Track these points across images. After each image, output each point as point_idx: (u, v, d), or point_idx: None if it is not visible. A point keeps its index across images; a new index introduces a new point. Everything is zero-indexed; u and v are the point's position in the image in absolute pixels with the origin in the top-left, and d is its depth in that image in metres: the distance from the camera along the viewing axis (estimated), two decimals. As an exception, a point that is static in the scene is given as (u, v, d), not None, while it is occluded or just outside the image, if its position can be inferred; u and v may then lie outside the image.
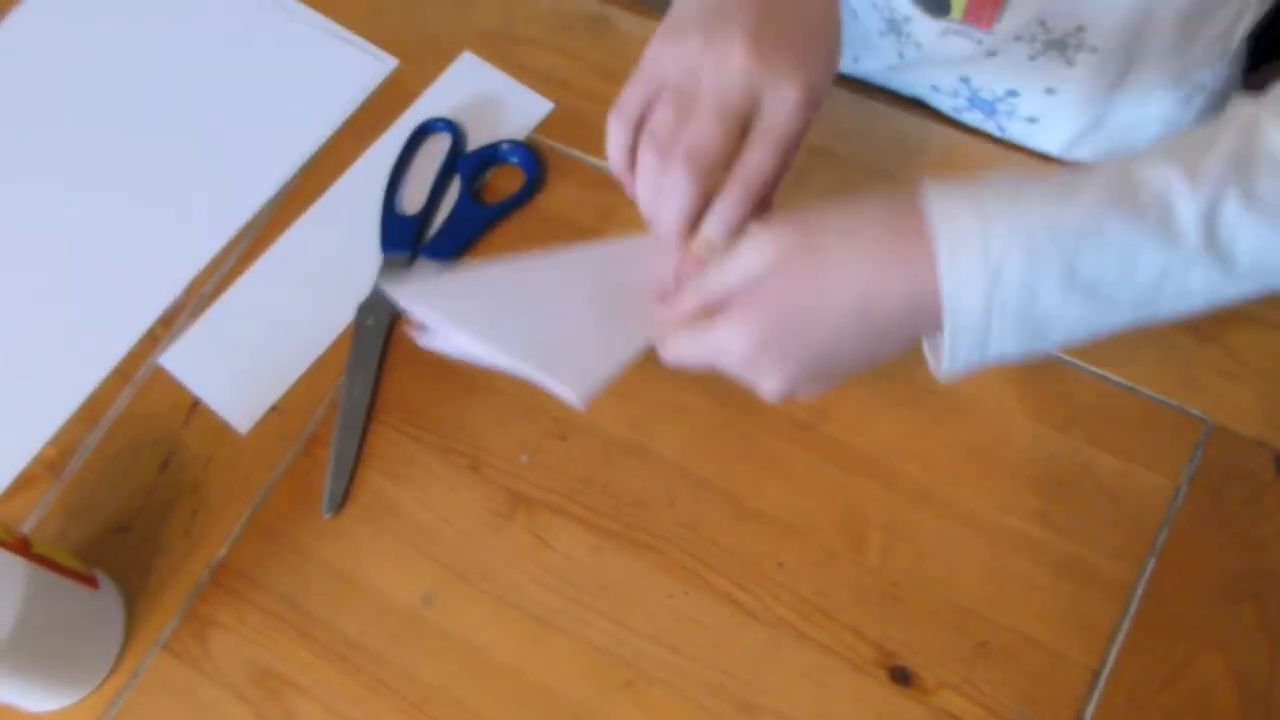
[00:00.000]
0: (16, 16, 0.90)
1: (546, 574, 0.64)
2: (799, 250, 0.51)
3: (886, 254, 0.50)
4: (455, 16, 0.84)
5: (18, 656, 0.59)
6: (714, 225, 0.54)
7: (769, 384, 0.52)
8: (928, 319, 0.49)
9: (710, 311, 0.52)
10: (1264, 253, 0.47)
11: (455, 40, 0.82)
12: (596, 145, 0.71)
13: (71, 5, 0.90)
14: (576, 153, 0.76)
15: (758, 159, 0.53)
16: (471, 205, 0.75)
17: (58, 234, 0.80)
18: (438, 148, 0.78)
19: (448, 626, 0.63)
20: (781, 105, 0.53)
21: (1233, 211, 0.47)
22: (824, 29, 0.55)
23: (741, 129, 0.53)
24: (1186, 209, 0.47)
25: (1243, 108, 0.50)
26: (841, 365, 0.53)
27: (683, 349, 0.54)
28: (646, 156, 0.54)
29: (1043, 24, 0.66)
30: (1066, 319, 0.49)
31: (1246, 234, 0.47)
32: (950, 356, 0.50)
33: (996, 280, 0.47)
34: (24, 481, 0.71)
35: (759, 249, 0.51)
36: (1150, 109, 0.71)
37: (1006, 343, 0.49)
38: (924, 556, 0.61)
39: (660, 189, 0.53)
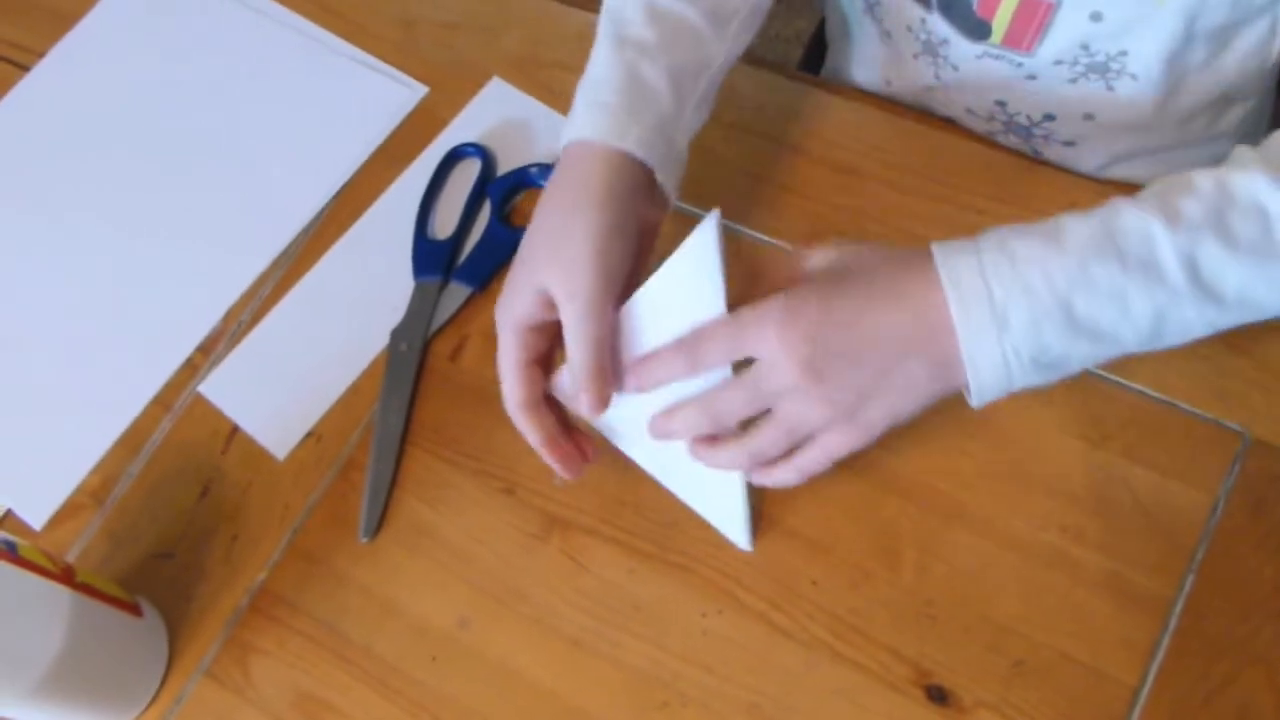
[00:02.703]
0: (55, 56, 0.91)
1: (581, 595, 0.64)
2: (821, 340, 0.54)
3: (902, 310, 0.53)
4: (484, 43, 0.84)
5: (63, 684, 0.60)
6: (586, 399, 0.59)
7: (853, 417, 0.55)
8: (941, 363, 0.53)
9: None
10: (1249, 288, 0.51)
11: (484, 66, 0.83)
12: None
13: (107, 43, 0.92)
14: (605, 175, 0.76)
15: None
16: (502, 229, 0.76)
17: (97, 267, 0.81)
18: (468, 173, 0.79)
19: (484, 649, 0.64)
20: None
21: (1213, 253, 0.50)
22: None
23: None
24: (1167, 253, 0.50)
25: (1235, 152, 0.54)
26: (888, 395, 0.55)
27: (783, 475, 0.58)
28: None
29: (1085, 48, 0.65)
30: (1078, 355, 0.52)
31: (1228, 273, 0.50)
32: (978, 395, 0.54)
33: (1005, 327, 0.51)
34: (68, 510, 0.73)
35: (773, 361, 0.54)
36: (1190, 129, 0.70)
37: (1029, 379, 0.53)
38: (959, 574, 0.61)
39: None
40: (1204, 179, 0.52)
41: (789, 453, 0.57)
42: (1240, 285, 0.51)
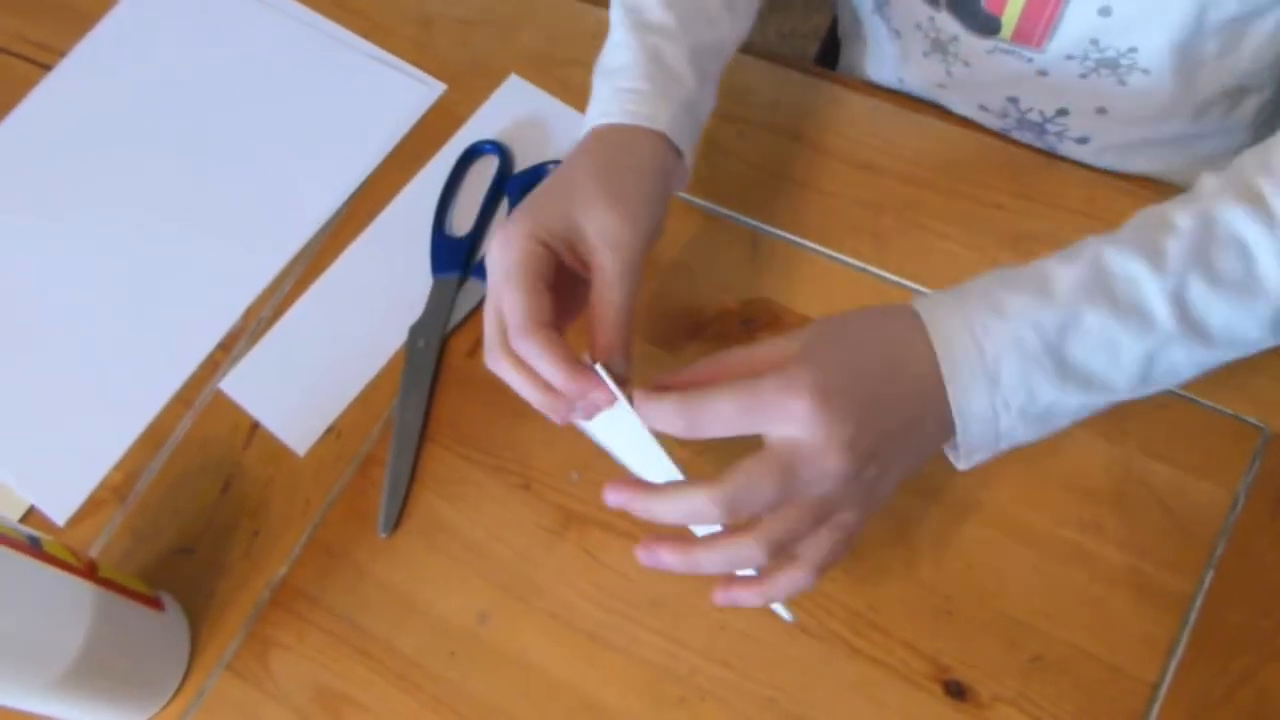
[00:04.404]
0: (76, 55, 0.92)
1: (599, 590, 0.65)
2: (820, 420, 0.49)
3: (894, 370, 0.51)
4: (501, 41, 0.85)
5: (86, 679, 0.60)
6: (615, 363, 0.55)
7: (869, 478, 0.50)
8: (943, 423, 0.51)
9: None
10: (1235, 326, 0.51)
11: (501, 64, 0.83)
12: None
13: (128, 42, 0.92)
14: (622, 172, 0.77)
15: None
16: (520, 226, 0.76)
17: (118, 265, 0.82)
18: (486, 170, 0.79)
19: (502, 644, 0.64)
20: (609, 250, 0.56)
21: (1199, 293, 0.50)
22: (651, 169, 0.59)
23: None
24: (1156, 296, 0.50)
25: (1202, 181, 0.53)
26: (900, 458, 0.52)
27: (801, 581, 0.52)
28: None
29: (1095, 43, 0.65)
30: (1069, 406, 0.52)
31: (1215, 311, 0.50)
32: (966, 455, 0.53)
33: (995, 383, 0.50)
34: (91, 506, 0.73)
35: (812, 444, 0.48)
36: (1206, 121, 0.70)
37: (1016, 435, 0.52)
38: (977, 569, 0.61)
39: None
40: (1182, 215, 0.52)
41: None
42: (1227, 323, 0.51)
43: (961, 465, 0.53)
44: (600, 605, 0.64)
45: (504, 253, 0.56)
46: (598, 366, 0.53)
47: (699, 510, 0.49)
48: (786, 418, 0.48)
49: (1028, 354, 0.50)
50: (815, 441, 0.48)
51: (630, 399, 0.53)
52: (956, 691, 0.59)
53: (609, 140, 0.61)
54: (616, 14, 0.66)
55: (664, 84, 0.62)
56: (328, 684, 0.65)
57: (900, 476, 0.52)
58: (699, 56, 0.65)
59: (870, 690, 0.59)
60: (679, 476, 0.53)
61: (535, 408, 0.57)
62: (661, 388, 0.51)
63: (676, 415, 0.50)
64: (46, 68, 0.92)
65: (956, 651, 0.59)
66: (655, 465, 0.54)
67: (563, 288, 0.57)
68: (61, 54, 0.92)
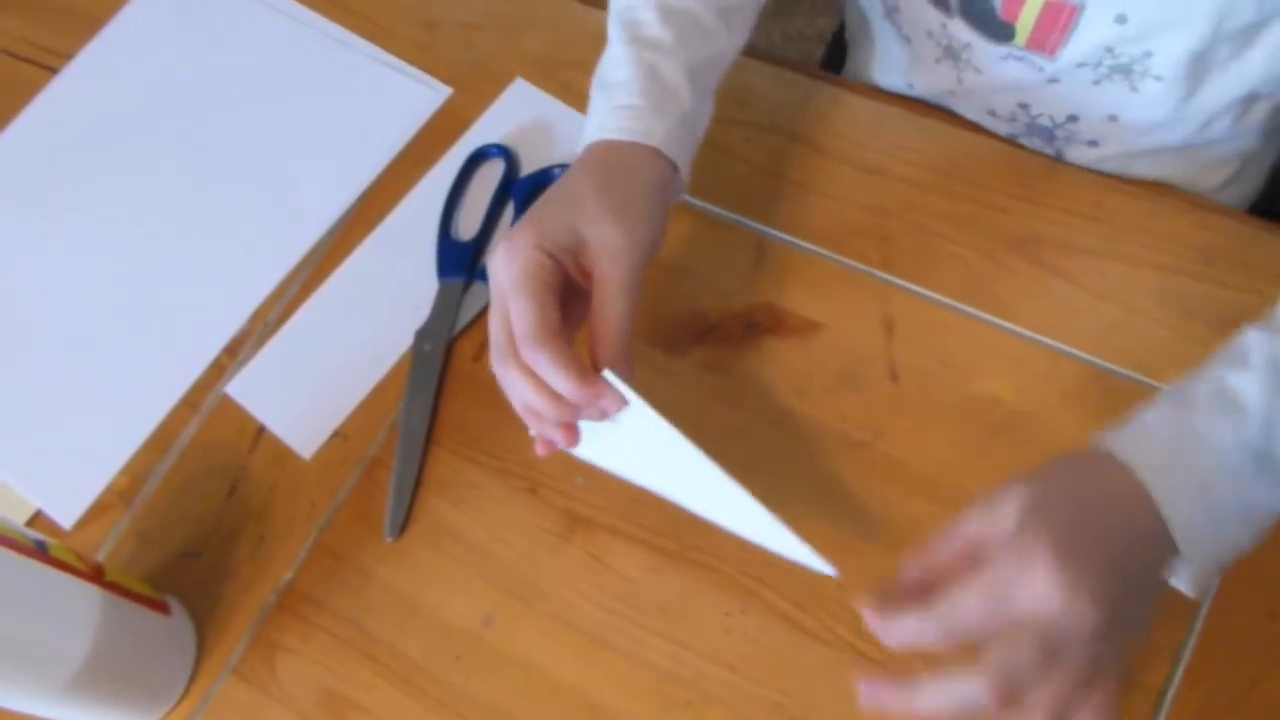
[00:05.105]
0: (83, 58, 0.92)
1: (604, 594, 0.64)
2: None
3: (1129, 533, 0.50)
4: (506, 44, 0.85)
5: (93, 682, 0.60)
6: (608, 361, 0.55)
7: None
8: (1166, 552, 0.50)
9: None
10: None
11: (506, 67, 0.83)
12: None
13: (135, 45, 0.92)
14: (628, 175, 0.77)
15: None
16: (525, 230, 0.76)
17: (124, 268, 0.82)
18: (492, 174, 0.79)
19: (507, 648, 0.64)
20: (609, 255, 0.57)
21: None
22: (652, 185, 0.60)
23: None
24: None
25: None
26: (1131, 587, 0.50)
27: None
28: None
29: (1109, 50, 0.65)
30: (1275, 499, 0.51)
31: None
32: (1199, 586, 0.52)
33: (1216, 517, 0.50)
34: (97, 510, 0.73)
35: (1060, 623, 0.46)
36: (1215, 127, 0.70)
37: (1242, 545, 0.51)
38: (983, 574, 0.61)
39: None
40: None
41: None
42: None
43: (1190, 592, 0.52)
44: (605, 608, 0.64)
45: (510, 262, 0.56)
46: (606, 373, 0.53)
47: (972, 698, 0.46)
48: (1033, 592, 0.46)
49: (1243, 477, 0.50)
50: (1068, 609, 0.46)
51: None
52: (963, 696, 0.58)
53: (608, 156, 0.61)
54: (614, 29, 0.66)
55: (660, 100, 0.63)
56: (333, 688, 0.65)
57: (1142, 631, 0.51)
58: (696, 71, 0.65)
59: (876, 695, 0.59)
60: (708, 467, 0.54)
61: (530, 421, 0.58)
62: (887, 595, 0.50)
63: (930, 630, 0.49)
64: (53, 71, 0.92)
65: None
66: (671, 459, 0.54)
67: (565, 299, 0.57)
68: (68, 57, 0.92)
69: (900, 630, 0.50)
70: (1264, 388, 0.51)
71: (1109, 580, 0.47)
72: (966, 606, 0.48)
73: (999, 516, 0.49)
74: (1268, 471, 0.50)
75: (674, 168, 0.63)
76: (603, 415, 0.55)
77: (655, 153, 0.61)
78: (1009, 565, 0.47)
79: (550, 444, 0.59)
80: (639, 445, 0.56)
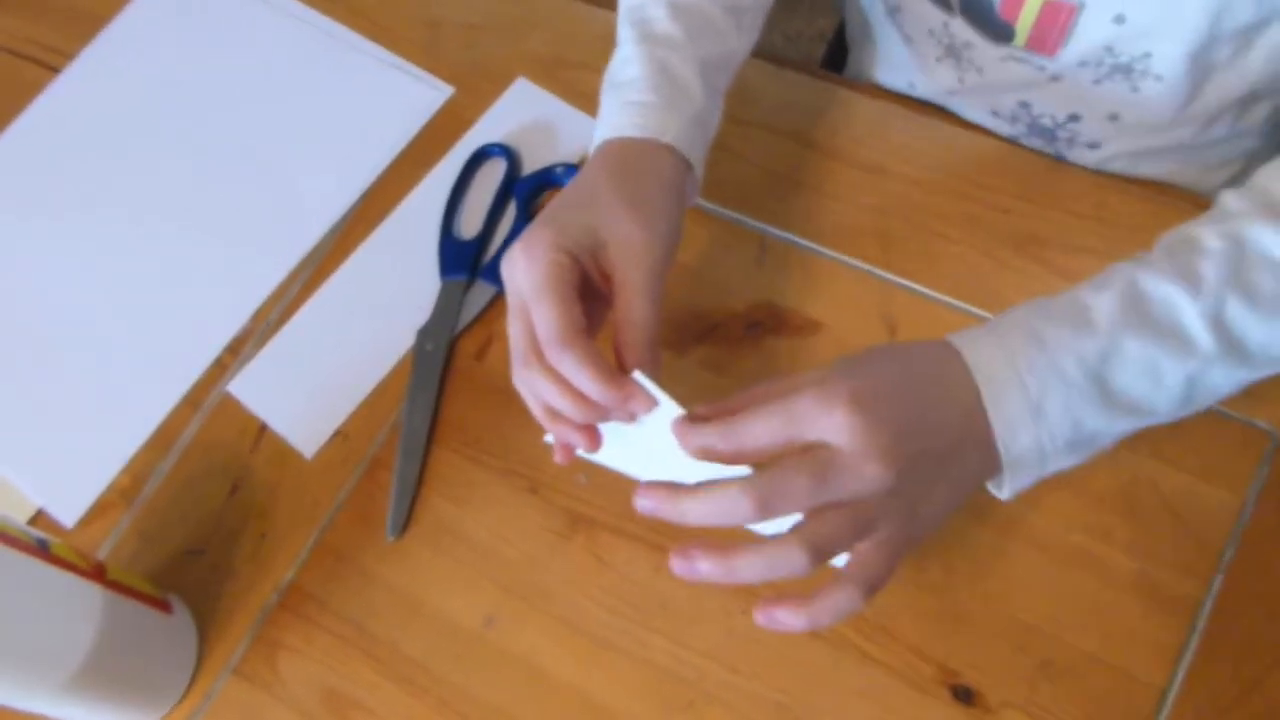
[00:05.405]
0: (85, 57, 0.92)
1: (606, 594, 0.64)
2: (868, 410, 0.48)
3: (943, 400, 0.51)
4: (509, 44, 0.85)
5: (95, 681, 0.60)
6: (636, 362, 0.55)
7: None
8: (987, 456, 0.51)
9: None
10: (1273, 344, 0.51)
11: (509, 67, 0.83)
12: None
13: (136, 45, 0.92)
14: (630, 175, 0.77)
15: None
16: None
17: (126, 267, 0.82)
18: (494, 173, 0.79)
19: (509, 648, 0.64)
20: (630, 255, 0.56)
21: (1236, 313, 0.50)
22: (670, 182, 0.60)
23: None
24: (1194, 320, 0.50)
25: (1224, 200, 0.54)
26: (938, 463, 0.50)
27: (848, 600, 0.49)
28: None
29: (1109, 49, 0.65)
30: (1112, 431, 0.52)
31: (1253, 331, 0.51)
32: (1011, 486, 0.52)
33: (1040, 416, 0.50)
34: (99, 509, 0.73)
35: (850, 448, 0.47)
36: (1216, 127, 0.70)
37: (1061, 463, 0.52)
38: (986, 574, 0.61)
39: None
40: (1211, 237, 0.52)
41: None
42: (1266, 341, 0.51)
43: (1005, 496, 0.53)
44: (607, 608, 0.64)
45: (530, 265, 0.55)
46: (637, 374, 0.53)
47: (733, 506, 0.47)
48: (825, 425, 0.48)
49: (1072, 386, 0.50)
50: (853, 445, 0.47)
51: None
52: (965, 697, 0.59)
53: (622, 154, 0.61)
54: (624, 30, 0.66)
55: (672, 96, 0.62)
56: (335, 687, 0.65)
57: (945, 504, 0.51)
58: (707, 69, 0.64)
59: (878, 695, 0.59)
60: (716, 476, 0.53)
61: (552, 425, 0.56)
62: (700, 417, 0.51)
63: (719, 438, 0.49)
64: (55, 70, 0.92)
65: (965, 657, 0.59)
66: (688, 470, 0.54)
67: (585, 301, 0.56)
68: (70, 56, 0.93)
69: (694, 437, 0.50)
70: (1115, 308, 0.51)
71: (906, 440, 0.48)
72: (758, 426, 0.49)
73: (821, 369, 0.50)
74: (1100, 397, 0.50)
75: (688, 166, 0.62)
76: (631, 417, 0.54)
77: (669, 150, 0.61)
78: (808, 401, 0.48)
79: (570, 450, 0.58)
80: (663, 446, 0.56)
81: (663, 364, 0.56)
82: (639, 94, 0.62)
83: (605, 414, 0.54)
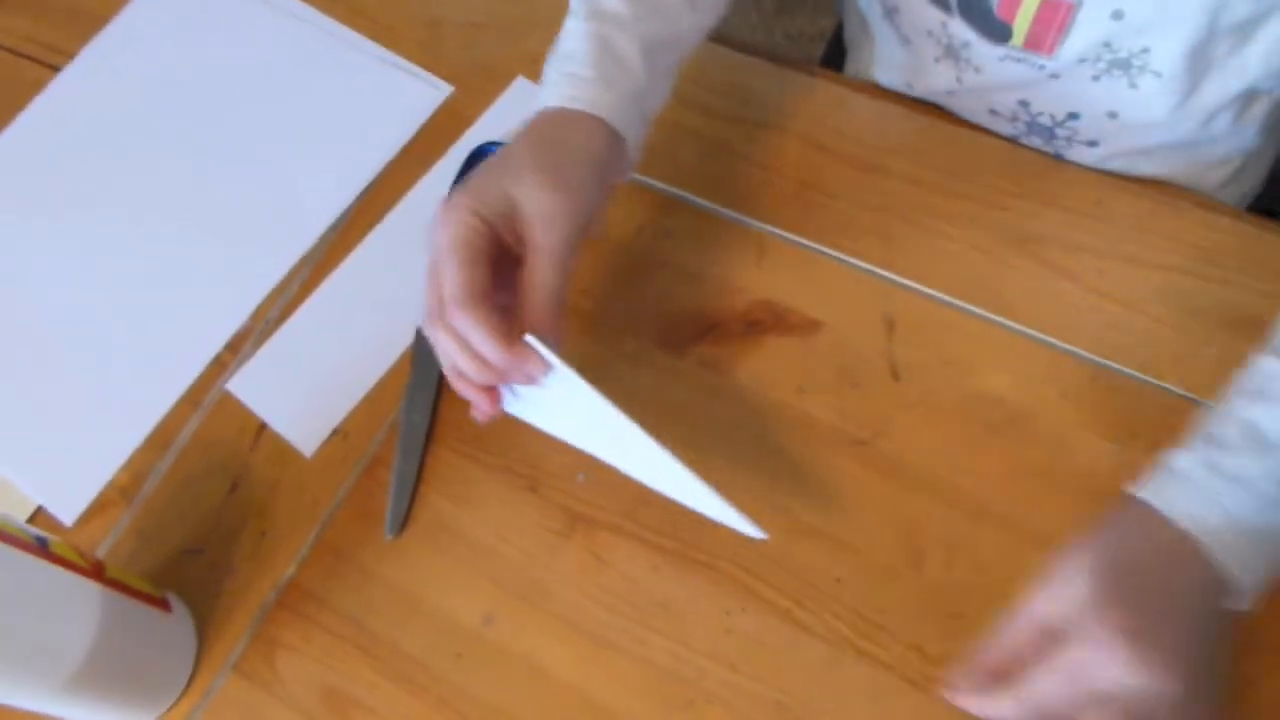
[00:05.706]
0: (85, 56, 0.92)
1: (605, 593, 0.64)
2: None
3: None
4: (508, 43, 0.85)
5: (94, 679, 0.60)
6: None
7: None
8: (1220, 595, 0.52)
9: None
10: None
11: (508, 66, 0.83)
12: (649, 166, 0.72)
13: (137, 44, 0.92)
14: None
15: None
16: (527, 228, 0.76)
17: (126, 266, 0.82)
18: (493, 172, 0.79)
19: (508, 646, 0.64)
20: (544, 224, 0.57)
21: None
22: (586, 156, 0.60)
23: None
24: None
25: None
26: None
27: None
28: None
29: (1107, 45, 0.65)
30: None
31: None
32: (1251, 597, 0.53)
33: (1264, 541, 0.52)
34: (98, 507, 0.73)
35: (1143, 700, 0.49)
36: (1215, 124, 0.70)
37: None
38: (985, 572, 0.61)
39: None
40: None
41: None
42: None
43: (1248, 606, 0.54)
44: (606, 607, 0.64)
45: (444, 226, 0.57)
46: (529, 337, 0.54)
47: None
48: (1113, 675, 0.48)
49: (1274, 504, 0.52)
50: (1150, 683, 0.48)
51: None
52: (963, 695, 0.58)
53: (550, 124, 0.61)
54: (576, 3, 0.67)
55: (609, 72, 0.63)
56: (334, 685, 0.65)
57: (1219, 673, 0.52)
58: (652, 48, 0.65)
59: (877, 694, 0.59)
60: (630, 428, 0.55)
61: (456, 384, 0.59)
62: (970, 676, 0.53)
63: (1020, 712, 0.51)
64: (55, 69, 0.92)
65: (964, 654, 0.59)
66: (603, 424, 0.55)
67: (500, 265, 0.57)
68: (70, 55, 0.93)
69: (993, 707, 0.52)
70: None
71: (1183, 648, 0.49)
72: (1048, 687, 0.50)
73: (1066, 596, 0.51)
74: None
75: (619, 141, 0.63)
76: (529, 380, 0.55)
77: (599, 123, 0.61)
78: (1085, 648, 0.49)
79: (485, 410, 0.60)
80: (570, 410, 0.57)
81: (565, 331, 0.57)
82: (577, 67, 0.63)
83: (503, 375, 0.56)
